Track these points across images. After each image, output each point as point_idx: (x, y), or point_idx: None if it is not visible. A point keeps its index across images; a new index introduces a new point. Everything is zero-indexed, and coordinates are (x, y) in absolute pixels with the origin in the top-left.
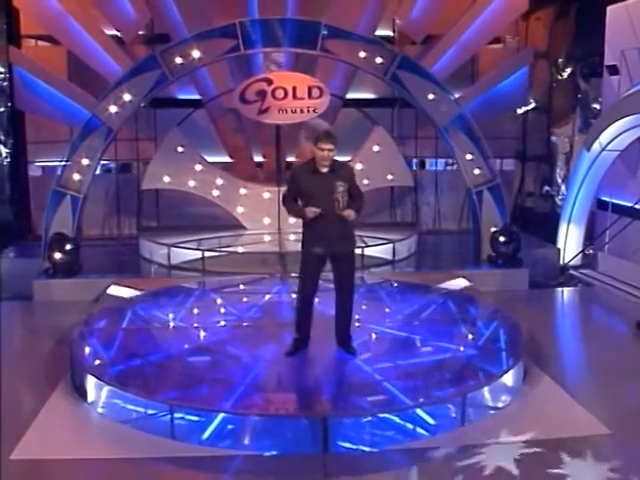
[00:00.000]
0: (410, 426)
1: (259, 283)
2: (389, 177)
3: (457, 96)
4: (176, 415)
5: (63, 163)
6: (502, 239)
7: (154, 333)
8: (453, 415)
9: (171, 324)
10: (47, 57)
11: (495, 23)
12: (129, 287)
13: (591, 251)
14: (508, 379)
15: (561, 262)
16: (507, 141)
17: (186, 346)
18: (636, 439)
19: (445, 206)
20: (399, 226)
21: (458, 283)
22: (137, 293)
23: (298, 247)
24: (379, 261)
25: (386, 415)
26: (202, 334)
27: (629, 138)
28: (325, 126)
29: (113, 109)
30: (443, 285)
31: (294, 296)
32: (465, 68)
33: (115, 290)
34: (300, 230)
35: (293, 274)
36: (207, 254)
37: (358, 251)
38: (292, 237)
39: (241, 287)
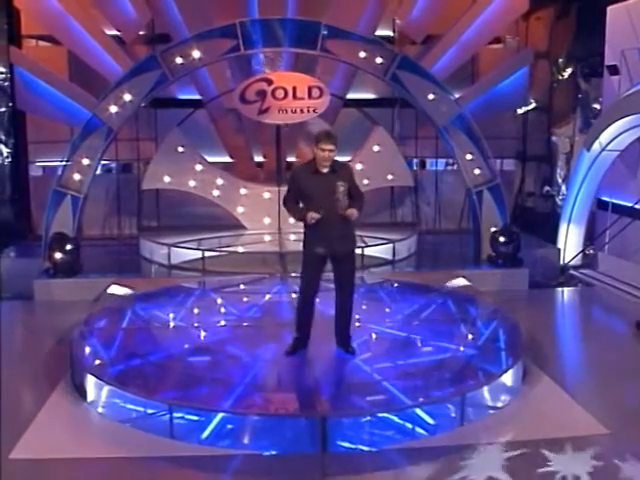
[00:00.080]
0: (409, 426)
1: (259, 283)
2: (389, 177)
3: (457, 96)
4: (175, 415)
5: (64, 163)
6: (502, 239)
7: (154, 333)
8: (452, 415)
9: (171, 324)
10: (48, 57)
11: (495, 23)
12: (129, 287)
13: (591, 251)
14: (507, 379)
15: (561, 262)
16: (507, 141)
17: (186, 346)
18: (635, 439)
19: (445, 206)
20: (399, 226)
21: (458, 283)
22: (137, 293)
23: (298, 247)
24: (379, 261)
25: (385, 415)
26: (202, 334)
27: (629, 138)
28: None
29: (113, 109)
30: (443, 285)
31: (294, 296)
32: (465, 68)
33: (115, 290)
34: (300, 230)
35: (293, 274)
36: (207, 254)
37: (358, 251)
38: (292, 237)
39: (241, 287)
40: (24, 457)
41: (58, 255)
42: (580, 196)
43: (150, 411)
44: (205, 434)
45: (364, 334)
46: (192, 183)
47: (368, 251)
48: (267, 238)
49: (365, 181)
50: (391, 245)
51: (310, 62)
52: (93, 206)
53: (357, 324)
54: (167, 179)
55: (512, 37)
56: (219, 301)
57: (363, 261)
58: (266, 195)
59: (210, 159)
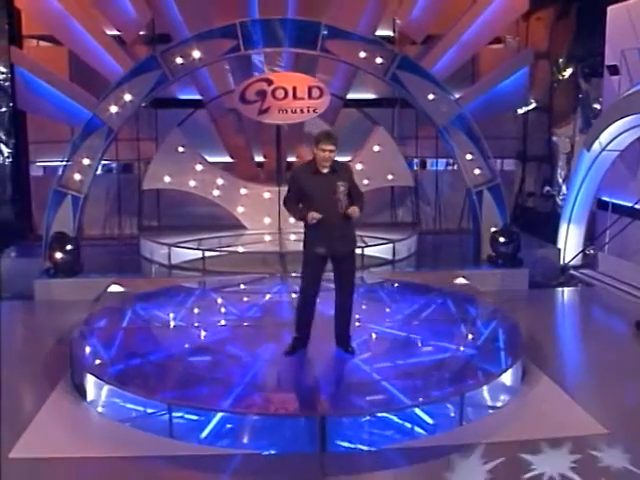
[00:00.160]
0: (409, 425)
1: (259, 283)
2: (389, 177)
3: (458, 96)
4: (175, 414)
5: (64, 163)
6: (502, 239)
7: (154, 332)
8: (452, 414)
9: (171, 324)
10: (48, 57)
11: (495, 23)
12: (130, 287)
13: (591, 251)
14: (507, 379)
15: (561, 262)
16: (508, 141)
17: (186, 345)
18: (633, 439)
19: (445, 206)
20: (399, 226)
21: (458, 283)
22: (137, 292)
23: (298, 247)
24: (379, 261)
25: (385, 414)
26: (202, 334)
27: (629, 138)
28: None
29: (114, 109)
30: (443, 285)
31: (294, 296)
32: (465, 68)
33: (115, 289)
34: (300, 230)
35: (293, 274)
36: (207, 254)
37: (358, 251)
38: (292, 237)
39: (241, 287)
40: (24, 456)
41: (58, 255)
42: (580, 196)
43: (150, 410)
44: (204, 433)
45: (364, 334)
46: (192, 183)
47: (368, 251)
48: (267, 238)
49: (365, 181)
50: (391, 245)
51: (310, 62)
52: (94, 206)
53: (357, 324)
54: (167, 179)
55: (512, 37)
56: (219, 301)
57: (363, 261)
58: (266, 195)
59: (210, 159)
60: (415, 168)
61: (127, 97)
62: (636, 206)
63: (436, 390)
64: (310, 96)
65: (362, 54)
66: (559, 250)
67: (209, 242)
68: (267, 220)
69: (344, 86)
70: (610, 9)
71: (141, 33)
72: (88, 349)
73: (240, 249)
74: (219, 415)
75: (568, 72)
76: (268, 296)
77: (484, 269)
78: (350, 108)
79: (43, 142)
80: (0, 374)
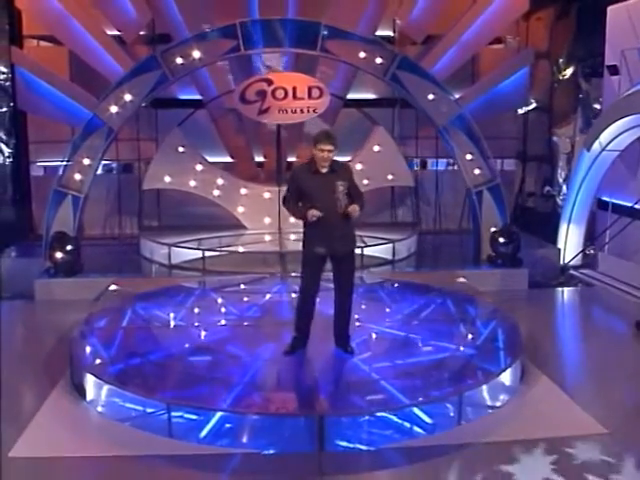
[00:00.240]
0: (407, 425)
1: (259, 283)
2: (389, 177)
3: (458, 96)
4: (174, 414)
5: (64, 163)
6: (502, 239)
7: (154, 332)
8: (451, 414)
9: (171, 323)
10: (49, 57)
11: (496, 23)
12: (130, 286)
13: (591, 251)
14: (506, 378)
15: (561, 262)
16: (508, 141)
17: (186, 345)
18: (632, 438)
19: (445, 206)
20: (399, 226)
21: (458, 283)
22: (138, 292)
23: (298, 247)
24: (379, 261)
25: (383, 414)
26: (202, 333)
27: (629, 138)
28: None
29: (114, 109)
30: (443, 285)
31: (294, 296)
32: (466, 68)
33: (116, 289)
34: (300, 230)
35: (293, 274)
36: (207, 254)
37: (358, 251)
38: (292, 237)
39: (241, 287)
40: (23, 455)
41: (59, 255)
42: (580, 196)
43: (149, 410)
44: (203, 433)
45: (363, 334)
46: (193, 183)
47: (368, 251)
48: (267, 238)
49: (365, 181)
50: (391, 245)
51: (310, 62)
52: (94, 206)
53: (357, 324)
54: (168, 179)
55: (512, 37)
56: (219, 301)
57: (363, 261)
58: (266, 195)
59: (210, 159)
60: (415, 168)
61: (127, 97)
62: (636, 206)
63: (435, 390)
64: (310, 96)
65: (362, 54)
66: (559, 250)
67: (209, 242)
68: (267, 220)
69: (344, 86)
70: (610, 9)
71: (141, 33)
72: (88, 349)
73: (240, 249)
74: (218, 414)
75: (568, 72)
76: (268, 296)
77: (484, 269)
78: (350, 108)
79: (43, 142)
80: (0, 374)
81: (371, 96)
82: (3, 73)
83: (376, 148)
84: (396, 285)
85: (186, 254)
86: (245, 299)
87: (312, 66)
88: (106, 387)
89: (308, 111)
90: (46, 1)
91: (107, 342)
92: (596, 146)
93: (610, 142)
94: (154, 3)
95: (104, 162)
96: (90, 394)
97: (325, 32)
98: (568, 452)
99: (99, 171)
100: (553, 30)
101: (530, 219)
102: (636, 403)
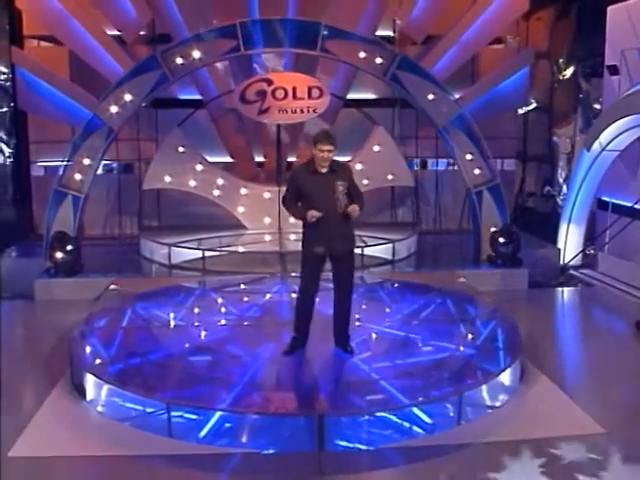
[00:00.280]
0: (407, 425)
1: (259, 283)
2: (389, 177)
3: (458, 96)
4: (174, 413)
5: (65, 163)
6: (502, 239)
7: (154, 332)
8: (450, 414)
9: (171, 323)
10: (49, 57)
11: (496, 23)
12: (130, 286)
13: (591, 251)
14: (505, 378)
15: (561, 262)
16: (508, 141)
17: (186, 345)
18: (630, 438)
19: (445, 206)
20: (399, 226)
21: (458, 283)
22: (138, 292)
23: (298, 247)
24: (379, 261)
25: (383, 414)
26: (202, 333)
27: (629, 138)
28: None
29: (114, 109)
30: (443, 285)
31: (294, 296)
32: (466, 68)
33: (116, 289)
34: (300, 230)
35: (293, 274)
36: (207, 254)
37: (358, 251)
38: (292, 237)
39: (241, 287)
40: (23, 455)
41: (59, 255)
42: (580, 196)
43: (149, 410)
44: (203, 433)
45: (363, 334)
46: (193, 183)
47: (368, 251)
48: (267, 238)
49: (365, 181)
50: (391, 245)
51: (310, 62)
52: (94, 206)
53: (357, 324)
54: (168, 179)
55: (513, 37)
56: (219, 301)
57: (363, 261)
58: (266, 195)
59: (211, 159)
60: (415, 168)
61: (127, 97)
62: (636, 206)
63: (435, 390)
64: (310, 96)
65: (362, 54)
66: (559, 250)
67: (209, 242)
68: (267, 220)
69: (344, 86)
70: (610, 9)
71: (141, 33)
72: (88, 348)
73: (240, 249)
74: (218, 414)
75: (568, 72)
76: (268, 296)
77: (484, 269)
78: (350, 108)
79: (44, 142)
80: (0, 374)
81: (371, 96)
82: (3, 73)
83: (376, 148)
84: (396, 285)
85: (186, 254)
86: (245, 299)
87: (312, 66)
88: (106, 387)
89: (308, 111)
90: (46, 1)
91: (107, 342)
92: (596, 146)
93: (610, 142)
94: (154, 3)
95: (104, 162)
96: (90, 394)
97: (325, 32)
98: (563, 451)
99: (99, 171)
100: (553, 30)
101: (530, 219)
102: (635, 403)
